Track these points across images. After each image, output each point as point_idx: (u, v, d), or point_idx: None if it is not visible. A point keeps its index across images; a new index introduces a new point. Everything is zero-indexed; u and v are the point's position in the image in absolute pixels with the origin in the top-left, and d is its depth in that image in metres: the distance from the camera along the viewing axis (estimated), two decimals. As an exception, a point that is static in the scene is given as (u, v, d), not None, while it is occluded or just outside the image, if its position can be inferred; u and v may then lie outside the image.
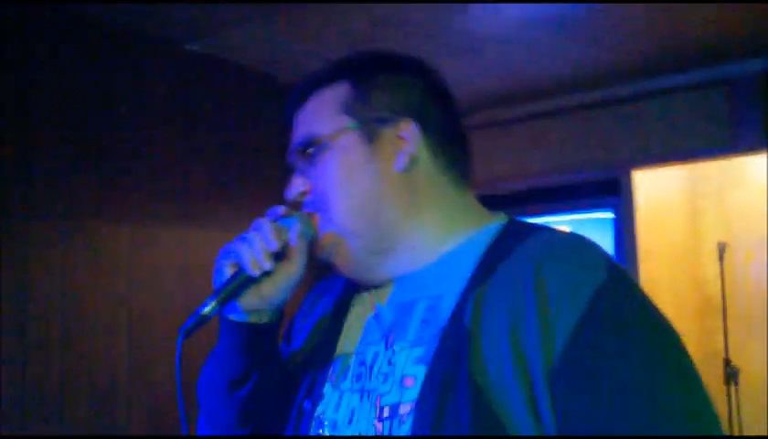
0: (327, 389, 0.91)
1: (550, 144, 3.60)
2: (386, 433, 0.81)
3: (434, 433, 0.75)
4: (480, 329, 0.77)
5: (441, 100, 0.95)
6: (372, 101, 0.92)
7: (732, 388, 3.38)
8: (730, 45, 2.91)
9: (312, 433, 0.89)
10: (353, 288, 0.98)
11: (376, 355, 0.88)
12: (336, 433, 0.87)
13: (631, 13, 2.61)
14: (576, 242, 0.82)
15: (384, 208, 0.90)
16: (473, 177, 0.97)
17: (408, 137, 0.90)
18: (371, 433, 0.83)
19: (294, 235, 0.89)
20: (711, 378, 3.58)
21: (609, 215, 3.42)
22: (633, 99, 3.35)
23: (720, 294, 3.50)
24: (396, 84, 0.94)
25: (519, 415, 0.72)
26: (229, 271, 0.88)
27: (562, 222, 3.59)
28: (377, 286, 0.93)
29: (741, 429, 3.35)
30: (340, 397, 0.89)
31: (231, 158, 3.01)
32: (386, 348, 0.88)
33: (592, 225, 3.49)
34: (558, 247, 0.81)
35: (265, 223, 0.89)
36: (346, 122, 0.91)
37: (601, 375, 0.70)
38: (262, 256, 0.86)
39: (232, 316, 0.90)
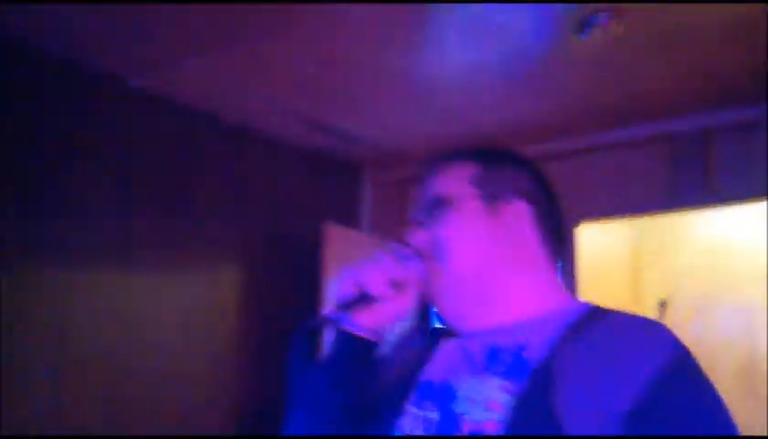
0: (410, 408, 1.06)
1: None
2: None
3: (521, 427, 0.92)
4: (564, 378, 0.92)
5: (547, 190, 1.15)
6: (495, 180, 1.11)
7: None
8: (672, 102, 2.95)
9: None
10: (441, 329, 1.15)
11: (461, 383, 1.03)
12: None
13: (581, 68, 2.63)
14: (652, 321, 0.97)
15: (491, 268, 1.08)
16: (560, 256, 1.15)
17: (520, 215, 1.09)
18: None
19: (413, 272, 1.08)
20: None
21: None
22: (579, 152, 3.36)
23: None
24: (515, 170, 1.14)
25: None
26: (350, 288, 1.06)
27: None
28: (475, 332, 1.08)
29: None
30: (425, 416, 1.04)
31: (174, 202, 2.90)
32: (472, 379, 1.02)
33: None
34: (639, 320, 0.97)
35: (389, 255, 1.08)
36: (473, 192, 1.10)
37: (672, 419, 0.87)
38: (384, 282, 1.05)
39: (347, 326, 1.07)
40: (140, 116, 2.80)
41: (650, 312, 3.62)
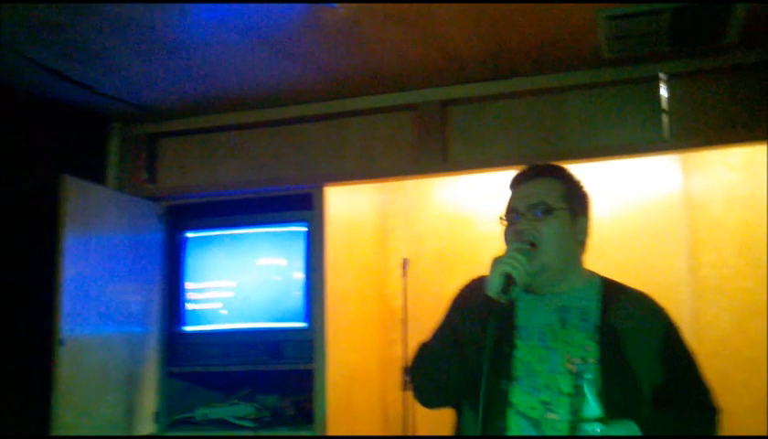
0: (518, 342, 1.73)
1: (247, 157, 3.58)
2: (576, 373, 1.65)
3: (614, 374, 1.64)
4: (620, 329, 1.70)
5: (590, 206, 1.88)
6: (575, 196, 1.83)
7: (409, 393, 3.59)
8: (414, 74, 3.12)
9: (512, 366, 1.70)
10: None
11: (553, 329, 1.73)
12: (530, 370, 1.69)
13: (334, 35, 2.68)
14: (651, 298, 1.83)
15: (569, 255, 1.80)
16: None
17: (585, 227, 1.84)
18: (565, 371, 1.66)
19: (534, 261, 1.71)
20: (391, 384, 3.78)
21: (302, 228, 3.48)
22: (328, 117, 3.45)
23: (402, 306, 3.71)
24: (581, 190, 1.88)
25: (647, 377, 1.68)
26: (499, 278, 1.66)
27: (258, 234, 3.58)
28: (546, 294, 1.80)
29: (414, 429, 3.57)
30: (529, 348, 1.72)
31: None
32: (562, 328, 1.73)
33: (286, 238, 3.52)
34: (644, 295, 1.83)
35: (521, 252, 1.69)
36: (565, 206, 1.79)
37: (680, 357, 1.75)
38: (525, 272, 1.67)
39: (502, 298, 1.66)
40: None
41: (396, 271, 3.82)
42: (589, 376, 1.63)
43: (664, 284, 3.42)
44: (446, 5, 2.46)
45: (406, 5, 2.45)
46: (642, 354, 1.67)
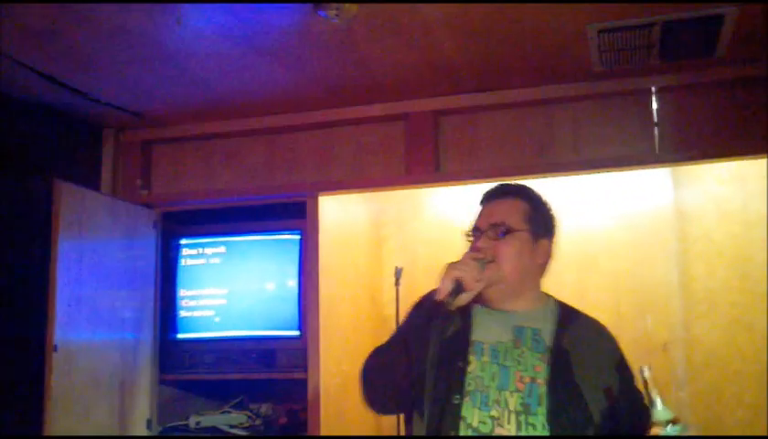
0: (472, 358, 1.74)
1: (241, 164, 3.60)
2: (527, 390, 1.69)
3: (562, 396, 1.67)
4: (571, 352, 1.74)
5: (556, 230, 1.91)
6: (538, 219, 1.85)
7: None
8: (409, 85, 3.15)
9: (465, 382, 1.71)
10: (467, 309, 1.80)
11: (506, 348, 1.75)
12: (482, 385, 1.71)
13: (327, 45, 2.71)
14: (604, 326, 1.89)
15: (526, 276, 1.82)
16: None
17: (546, 249, 1.87)
18: (514, 389, 1.69)
19: (488, 273, 1.74)
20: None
21: (295, 237, 3.49)
22: (322, 126, 3.47)
23: (395, 315, 3.72)
24: (547, 213, 1.90)
25: (595, 400, 1.70)
26: (450, 283, 1.68)
27: (252, 242, 3.60)
28: (501, 311, 1.82)
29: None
30: (482, 364, 1.73)
31: None
32: (515, 347, 1.76)
33: (280, 246, 3.54)
34: (595, 321, 1.89)
35: (475, 261, 1.73)
36: (527, 227, 1.82)
37: (628, 385, 1.78)
38: (475, 280, 1.70)
39: (450, 304, 1.69)
40: None
41: (389, 278, 3.83)
42: (537, 395, 1.68)
43: (655, 297, 3.44)
44: (439, 15, 2.48)
45: (399, 16, 2.48)
46: (592, 378, 1.72)
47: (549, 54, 2.82)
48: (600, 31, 2.60)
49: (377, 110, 3.36)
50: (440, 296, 1.68)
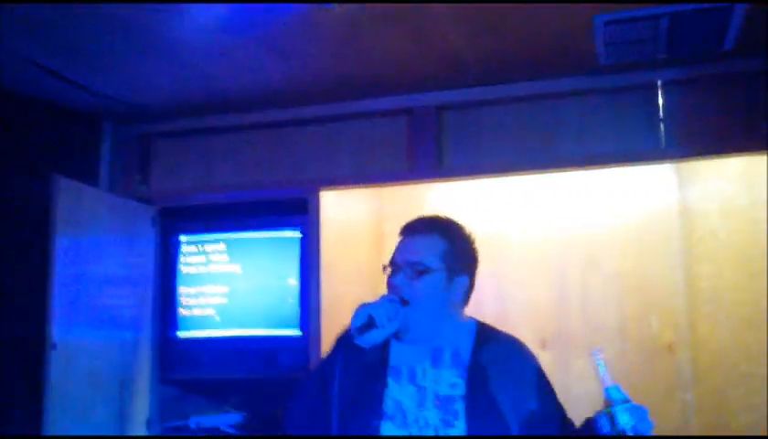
0: (390, 381, 1.82)
1: (242, 160, 3.56)
2: (442, 408, 1.76)
3: (479, 408, 1.75)
4: (488, 368, 1.80)
5: (477, 263, 1.96)
6: (456, 257, 1.89)
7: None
8: (413, 78, 3.11)
9: (383, 404, 1.79)
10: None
11: (424, 368, 1.83)
12: (399, 407, 1.78)
13: (329, 37, 2.67)
14: (521, 342, 1.95)
15: (441, 314, 1.87)
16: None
17: (463, 286, 1.91)
18: (430, 405, 1.77)
19: (401, 312, 1.78)
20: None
21: (297, 234, 3.45)
22: (323, 120, 3.43)
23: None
24: (466, 249, 1.94)
25: (513, 412, 1.77)
26: (363, 318, 1.73)
27: (252, 239, 3.56)
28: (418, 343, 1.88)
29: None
30: (400, 386, 1.81)
31: None
32: (432, 367, 1.83)
33: (281, 243, 3.50)
34: (512, 339, 1.94)
35: (389, 301, 1.77)
36: (442, 267, 1.85)
37: (546, 397, 1.87)
38: (387, 319, 1.75)
39: (359, 342, 1.75)
40: None
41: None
42: (454, 411, 1.76)
43: (660, 296, 3.38)
44: (443, 7, 2.45)
45: (403, 7, 2.44)
46: (509, 391, 1.79)
47: (554, 47, 2.79)
48: (606, 23, 2.56)
49: (379, 104, 3.32)
50: (351, 329, 1.74)
